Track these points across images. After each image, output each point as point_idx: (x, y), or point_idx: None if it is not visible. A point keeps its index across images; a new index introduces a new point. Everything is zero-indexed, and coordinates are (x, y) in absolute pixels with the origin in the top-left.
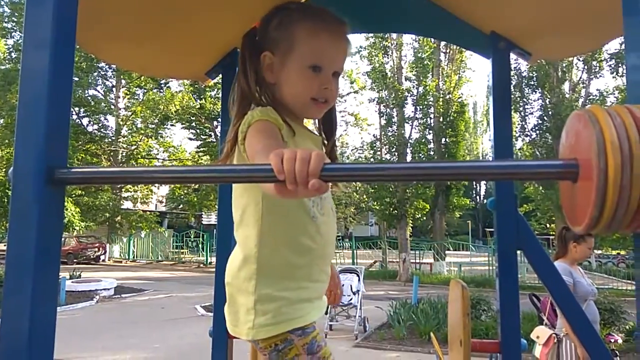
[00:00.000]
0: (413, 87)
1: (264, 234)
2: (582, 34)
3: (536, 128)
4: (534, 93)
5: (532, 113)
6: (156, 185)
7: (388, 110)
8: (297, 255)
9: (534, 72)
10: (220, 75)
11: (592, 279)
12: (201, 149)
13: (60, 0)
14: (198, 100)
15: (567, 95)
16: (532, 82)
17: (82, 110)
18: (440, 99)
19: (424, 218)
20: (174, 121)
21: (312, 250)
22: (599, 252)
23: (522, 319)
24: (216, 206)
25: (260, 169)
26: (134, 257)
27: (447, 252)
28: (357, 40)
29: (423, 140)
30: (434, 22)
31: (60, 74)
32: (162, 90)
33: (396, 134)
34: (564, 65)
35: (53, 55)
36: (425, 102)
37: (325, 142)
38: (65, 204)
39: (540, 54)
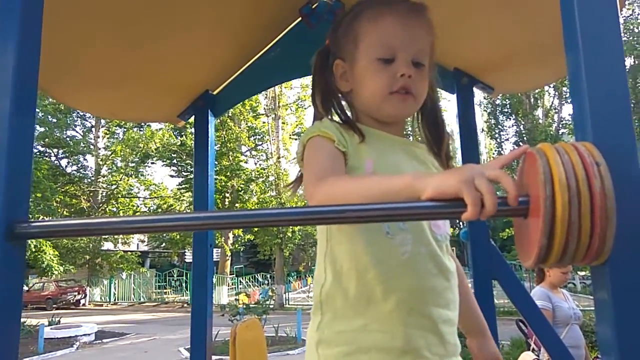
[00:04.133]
0: None
1: (329, 259)
2: (542, 67)
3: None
4: (508, 120)
5: (507, 139)
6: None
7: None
8: (367, 284)
9: (507, 100)
10: (193, 117)
11: (577, 301)
12: (183, 186)
13: (23, 47)
14: (179, 137)
15: (540, 121)
16: (506, 110)
17: (60, 151)
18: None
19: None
20: (154, 159)
21: (390, 277)
22: (583, 273)
23: (511, 345)
24: None
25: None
26: (115, 299)
27: None
28: None
29: None
30: None
31: (22, 124)
32: (142, 129)
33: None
34: (536, 92)
35: (14, 104)
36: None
37: (437, 152)
38: (44, 247)
39: (502, 87)
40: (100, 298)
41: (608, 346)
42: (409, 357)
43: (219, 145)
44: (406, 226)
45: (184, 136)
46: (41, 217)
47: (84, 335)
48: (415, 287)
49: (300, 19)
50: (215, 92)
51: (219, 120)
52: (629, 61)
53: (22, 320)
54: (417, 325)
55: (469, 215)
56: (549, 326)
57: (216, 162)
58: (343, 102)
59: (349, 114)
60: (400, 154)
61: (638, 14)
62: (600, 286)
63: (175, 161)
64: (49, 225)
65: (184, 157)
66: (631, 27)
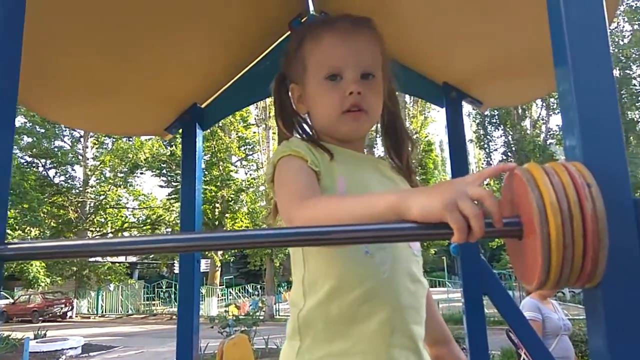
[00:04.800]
0: None
1: (308, 282)
2: (530, 82)
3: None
4: (497, 130)
5: (496, 149)
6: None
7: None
8: (349, 305)
9: (495, 111)
10: (181, 130)
11: (567, 310)
12: (172, 196)
13: (2, 57)
14: (168, 148)
15: (528, 132)
16: (495, 120)
17: (48, 161)
18: None
19: None
20: (143, 169)
21: (372, 297)
22: None
23: (502, 355)
24: None
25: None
26: (102, 311)
27: None
28: None
29: None
30: None
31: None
32: (131, 139)
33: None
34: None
35: None
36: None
37: (399, 164)
38: None
39: (490, 102)
40: (88, 310)
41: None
42: None
43: (209, 155)
44: (385, 244)
45: (173, 146)
46: (28, 228)
47: (71, 348)
48: (396, 306)
49: (289, 32)
50: (203, 106)
51: (209, 131)
52: (614, 73)
53: (7, 333)
54: (399, 344)
55: (457, 240)
56: (538, 340)
57: (206, 172)
58: (304, 124)
59: (311, 134)
60: (370, 171)
61: (623, 27)
62: (593, 309)
63: (164, 171)
64: (27, 248)
65: (174, 167)
66: (616, 39)
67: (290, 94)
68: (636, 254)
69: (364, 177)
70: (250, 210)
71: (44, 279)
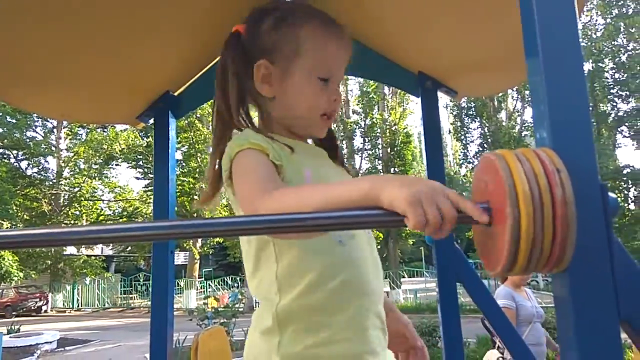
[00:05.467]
0: (360, 119)
1: (283, 276)
2: (504, 72)
3: (477, 155)
4: (473, 122)
5: (472, 141)
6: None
7: (338, 142)
8: (329, 295)
9: (472, 103)
10: (153, 119)
11: (540, 298)
12: (149, 188)
13: None
14: (145, 138)
15: (504, 123)
16: (471, 112)
17: (20, 153)
18: (387, 130)
19: (378, 247)
20: (119, 160)
21: (349, 285)
22: None
23: (477, 342)
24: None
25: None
26: (78, 305)
27: (402, 279)
28: None
29: (373, 171)
30: (362, 61)
31: None
32: (106, 130)
33: (346, 165)
34: (500, 95)
35: None
36: (373, 134)
37: (336, 157)
38: (2, 253)
39: (465, 91)
40: (63, 304)
41: (569, 345)
42: (370, 358)
43: (186, 147)
44: (352, 232)
45: (150, 137)
46: None
47: (46, 343)
48: (367, 290)
49: None
50: (176, 93)
51: (186, 122)
52: (587, 67)
53: None
54: (373, 326)
55: (427, 233)
56: (511, 327)
57: (184, 164)
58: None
59: (255, 122)
60: (326, 162)
61: (596, 20)
62: (560, 294)
63: (141, 163)
64: None
65: (150, 158)
66: (589, 33)
67: (255, 69)
68: (603, 239)
69: (324, 169)
70: (229, 202)
71: (17, 272)
